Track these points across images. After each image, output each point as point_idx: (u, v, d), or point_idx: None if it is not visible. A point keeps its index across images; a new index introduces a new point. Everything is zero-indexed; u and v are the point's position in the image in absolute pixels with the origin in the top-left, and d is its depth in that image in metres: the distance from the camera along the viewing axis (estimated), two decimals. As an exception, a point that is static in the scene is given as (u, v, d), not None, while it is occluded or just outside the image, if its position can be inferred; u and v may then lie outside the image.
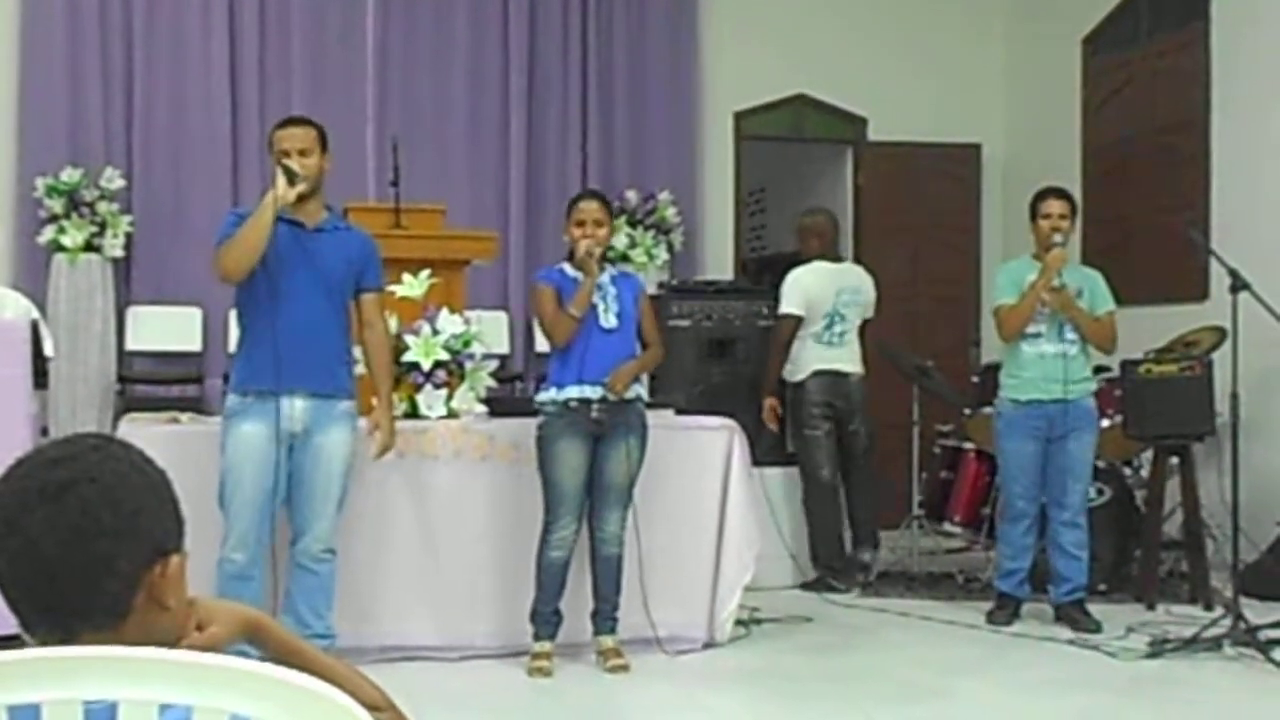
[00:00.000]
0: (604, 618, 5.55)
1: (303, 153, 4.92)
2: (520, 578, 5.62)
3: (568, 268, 5.52)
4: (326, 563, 5.03)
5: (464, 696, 5.14)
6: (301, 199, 4.88)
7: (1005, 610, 6.33)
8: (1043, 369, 6.11)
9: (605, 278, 5.50)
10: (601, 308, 5.45)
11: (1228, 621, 5.65)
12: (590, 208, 5.49)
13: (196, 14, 8.50)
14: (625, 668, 5.45)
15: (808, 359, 7.27)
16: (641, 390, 5.56)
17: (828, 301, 7.26)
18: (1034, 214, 6.26)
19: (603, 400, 5.36)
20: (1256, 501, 6.77)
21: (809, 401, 7.25)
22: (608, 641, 5.53)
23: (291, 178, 4.80)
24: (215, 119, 8.50)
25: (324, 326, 4.93)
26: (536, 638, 5.47)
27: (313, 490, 4.93)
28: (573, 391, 5.37)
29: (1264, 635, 5.61)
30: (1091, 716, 4.96)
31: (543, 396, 5.47)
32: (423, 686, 4.99)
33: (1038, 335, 6.14)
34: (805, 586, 7.13)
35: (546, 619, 5.47)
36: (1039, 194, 6.33)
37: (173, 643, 1.55)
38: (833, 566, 7.15)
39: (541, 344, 8.78)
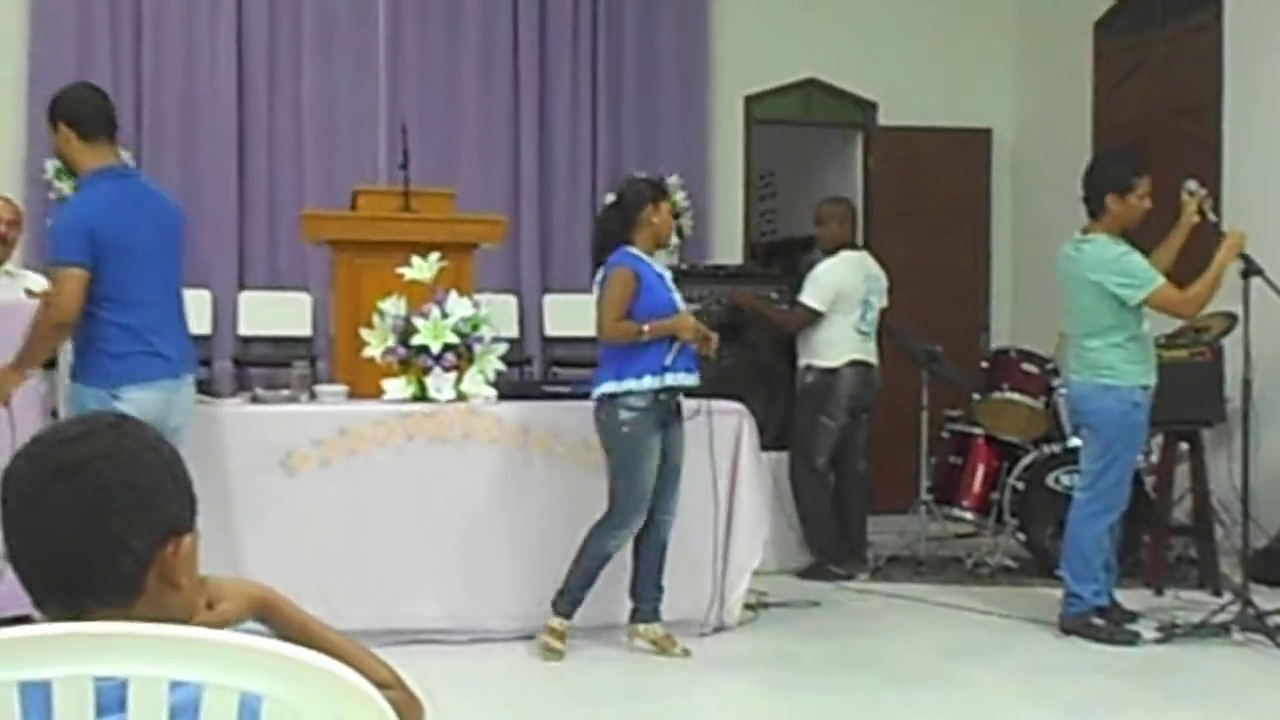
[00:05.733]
0: (658, 603, 5.55)
1: None
2: (529, 560, 5.64)
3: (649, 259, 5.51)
4: None
5: (473, 679, 5.15)
6: None
7: (1126, 617, 5.89)
8: (1151, 351, 5.82)
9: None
10: (678, 296, 5.52)
11: (1236, 607, 5.65)
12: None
13: (206, -4, 8.51)
14: (688, 651, 5.49)
15: (845, 347, 7.13)
16: None
17: (860, 289, 7.18)
18: (1127, 189, 5.69)
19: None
20: (1266, 488, 6.76)
21: (841, 391, 7.12)
22: (659, 629, 5.53)
23: None
24: (224, 102, 8.51)
25: None
26: (559, 614, 5.42)
27: None
28: (668, 379, 5.35)
29: (1272, 621, 5.61)
30: (1099, 700, 4.96)
31: (626, 386, 5.31)
32: (432, 669, 4.98)
33: (1145, 316, 5.77)
34: (804, 574, 7.08)
35: (576, 600, 5.44)
36: (1139, 168, 5.74)
37: (183, 621, 1.55)
38: (829, 552, 7.13)
39: (553, 329, 8.82)
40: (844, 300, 7.13)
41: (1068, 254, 5.82)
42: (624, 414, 5.31)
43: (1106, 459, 5.73)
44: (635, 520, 5.39)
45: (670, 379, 5.34)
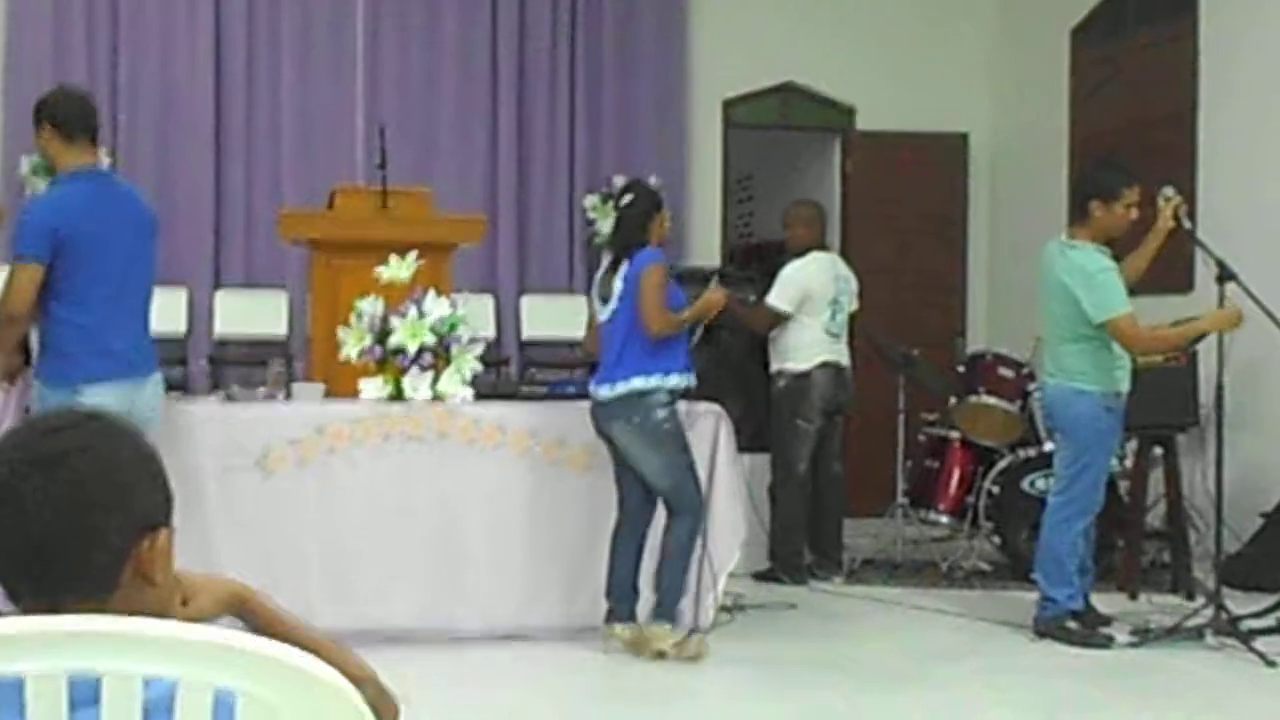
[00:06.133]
0: (634, 604, 5.60)
1: None
2: (506, 560, 5.65)
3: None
4: None
5: (449, 679, 5.13)
6: None
7: (1100, 621, 5.91)
8: (1127, 358, 5.80)
9: None
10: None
11: (1210, 611, 5.67)
12: None
13: (183, -4, 8.49)
14: (663, 653, 5.48)
15: (815, 349, 7.11)
16: None
17: (828, 291, 7.17)
18: (1113, 197, 5.63)
19: None
20: (1239, 492, 6.79)
21: (814, 394, 7.09)
22: (633, 630, 5.54)
23: None
24: (201, 101, 8.48)
25: None
26: (671, 621, 5.47)
27: None
28: (689, 377, 5.50)
29: (1246, 625, 5.64)
30: (1073, 705, 4.97)
31: (654, 383, 5.38)
32: (407, 668, 4.95)
33: None
34: (758, 576, 7.03)
35: (677, 600, 5.56)
36: (1127, 178, 5.72)
37: (158, 617, 1.54)
38: (789, 563, 7.10)
39: (530, 330, 8.82)
40: (811, 302, 7.12)
41: (1051, 255, 5.79)
42: (660, 411, 5.38)
43: (1079, 464, 5.74)
44: (703, 507, 5.53)
45: (690, 377, 5.49)
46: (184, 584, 1.66)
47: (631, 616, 5.53)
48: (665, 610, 5.46)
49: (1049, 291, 5.79)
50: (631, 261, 5.43)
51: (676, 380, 5.41)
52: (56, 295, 4.69)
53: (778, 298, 7.14)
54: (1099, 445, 5.74)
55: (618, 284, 5.46)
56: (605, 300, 5.52)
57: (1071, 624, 5.79)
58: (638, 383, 5.36)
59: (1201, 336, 5.88)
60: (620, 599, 5.53)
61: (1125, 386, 5.77)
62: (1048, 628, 5.79)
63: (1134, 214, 5.72)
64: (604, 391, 5.42)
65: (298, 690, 1.40)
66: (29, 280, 4.62)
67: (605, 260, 5.72)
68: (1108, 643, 5.70)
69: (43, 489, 1.46)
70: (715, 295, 5.53)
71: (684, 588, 5.50)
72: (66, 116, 4.79)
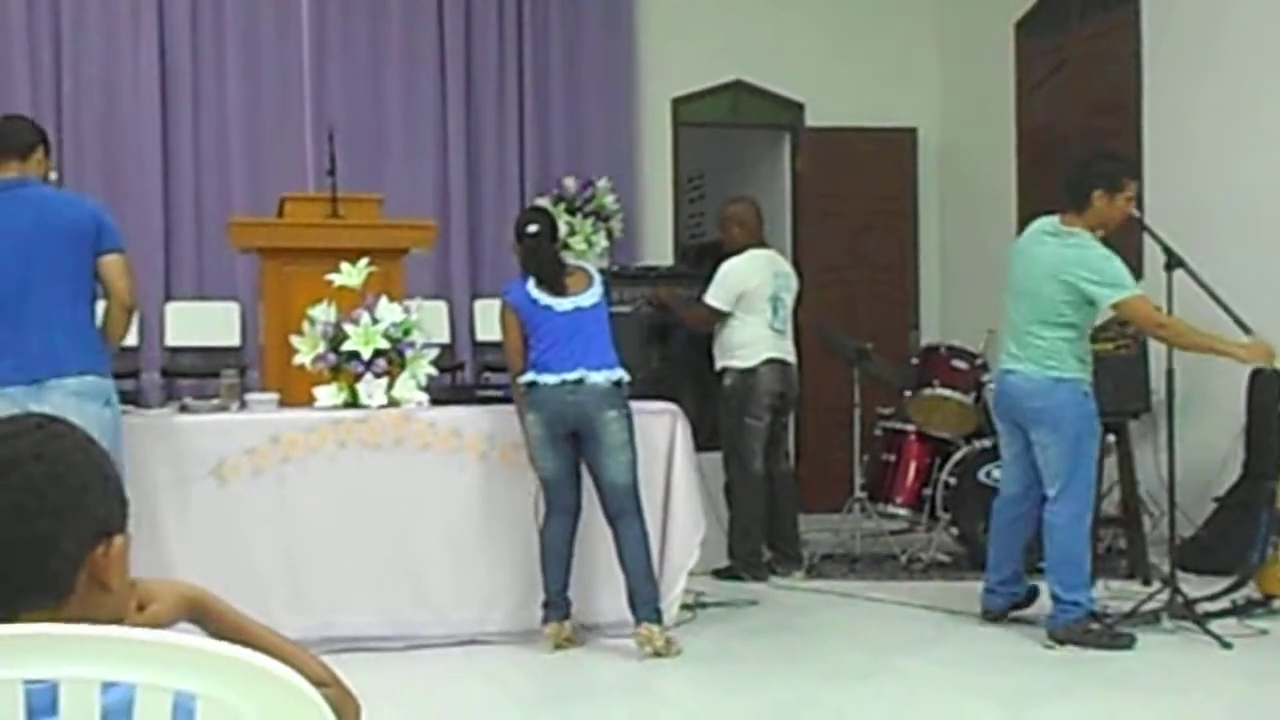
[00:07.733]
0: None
1: None
2: (465, 565, 5.63)
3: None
4: None
5: (410, 686, 5.12)
6: None
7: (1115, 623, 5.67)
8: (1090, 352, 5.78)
9: None
10: None
11: (1165, 595, 5.72)
12: None
13: (126, 6, 8.40)
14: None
15: (760, 346, 7.10)
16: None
17: (768, 287, 7.15)
18: (1116, 188, 5.57)
19: None
20: (1192, 477, 6.85)
21: (761, 390, 7.08)
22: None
23: None
24: (147, 113, 8.41)
25: None
26: (659, 623, 5.52)
27: None
28: None
29: (1201, 608, 5.70)
30: (1031, 691, 5.00)
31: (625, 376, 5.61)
32: (368, 676, 4.93)
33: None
34: (718, 574, 7.00)
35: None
36: (1125, 169, 5.76)
37: (114, 623, 1.53)
38: (749, 561, 7.11)
39: (484, 334, 8.80)
40: (750, 299, 7.10)
41: (1040, 239, 5.64)
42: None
43: (1074, 457, 5.53)
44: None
45: None
46: (140, 590, 1.65)
47: (569, 615, 5.57)
48: (656, 609, 5.47)
49: (1033, 276, 5.59)
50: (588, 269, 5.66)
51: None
52: None
53: (714, 296, 7.14)
54: (1089, 430, 5.59)
55: (594, 284, 5.57)
56: (558, 295, 5.53)
57: (1094, 626, 5.57)
58: (622, 373, 5.48)
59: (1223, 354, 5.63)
60: (562, 596, 5.56)
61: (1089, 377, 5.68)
62: (1069, 634, 5.51)
63: (1131, 208, 5.65)
64: (603, 376, 5.43)
65: (259, 692, 1.39)
66: None
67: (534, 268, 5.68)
68: (1131, 642, 5.48)
69: None
70: None
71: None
72: None
